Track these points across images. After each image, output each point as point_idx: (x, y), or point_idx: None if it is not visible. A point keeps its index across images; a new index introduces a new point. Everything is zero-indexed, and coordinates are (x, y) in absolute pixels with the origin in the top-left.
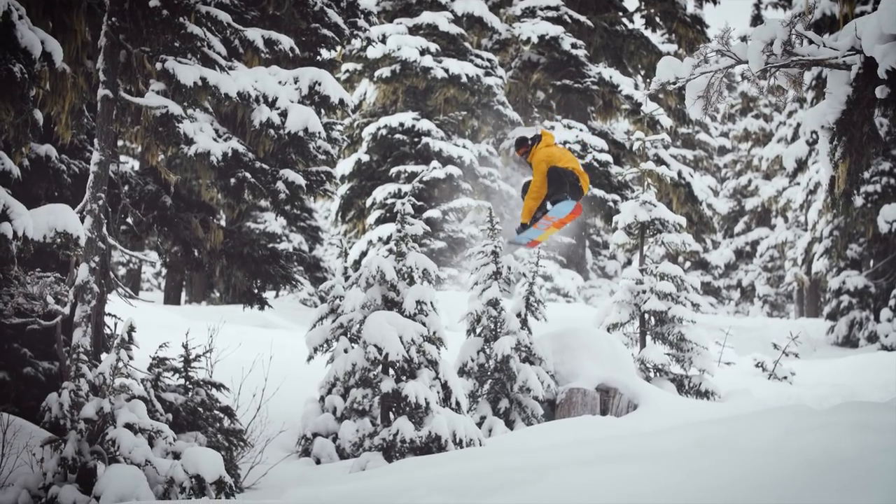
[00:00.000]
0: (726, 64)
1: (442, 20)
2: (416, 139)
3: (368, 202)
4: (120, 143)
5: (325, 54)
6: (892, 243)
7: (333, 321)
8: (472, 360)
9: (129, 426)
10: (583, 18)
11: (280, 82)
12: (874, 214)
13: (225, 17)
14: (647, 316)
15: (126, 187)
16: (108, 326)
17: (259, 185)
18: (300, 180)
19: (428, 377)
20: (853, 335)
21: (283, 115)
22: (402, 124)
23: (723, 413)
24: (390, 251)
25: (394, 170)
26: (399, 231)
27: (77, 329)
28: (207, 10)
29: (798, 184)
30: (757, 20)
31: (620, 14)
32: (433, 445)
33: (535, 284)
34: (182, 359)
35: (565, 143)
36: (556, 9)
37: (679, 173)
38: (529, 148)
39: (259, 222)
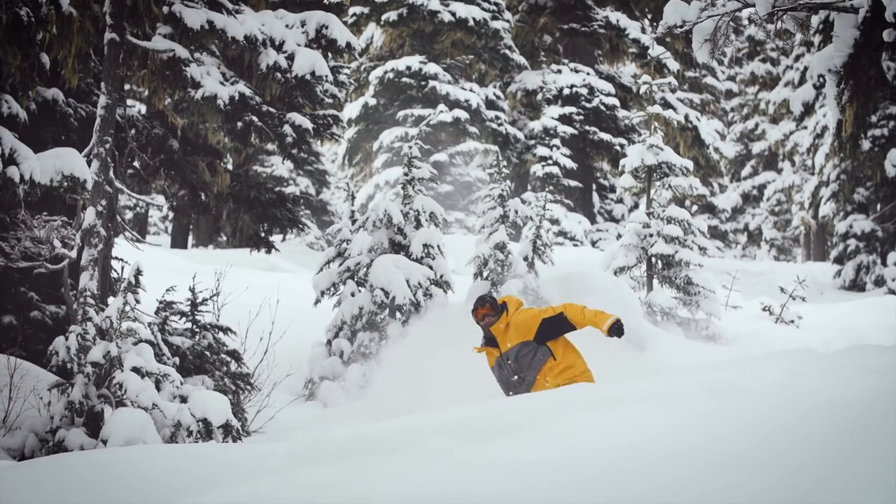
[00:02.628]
0: (733, 7)
1: None
2: (422, 83)
3: (375, 146)
4: (127, 86)
5: None
6: None
7: (340, 265)
8: None
9: (135, 370)
10: None
11: (287, 26)
12: (881, 158)
13: None
14: (654, 259)
15: (133, 131)
16: (115, 270)
17: (266, 128)
18: (307, 124)
19: None
20: (860, 279)
21: (290, 58)
22: (408, 68)
23: (729, 356)
24: (397, 194)
25: (401, 113)
26: (406, 174)
27: (84, 273)
28: None
29: (805, 127)
30: None
31: None
32: None
33: (542, 228)
34: (189, 302)
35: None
36: None
37: (686, 117)
38: (499, 314)
39: (266, 166)
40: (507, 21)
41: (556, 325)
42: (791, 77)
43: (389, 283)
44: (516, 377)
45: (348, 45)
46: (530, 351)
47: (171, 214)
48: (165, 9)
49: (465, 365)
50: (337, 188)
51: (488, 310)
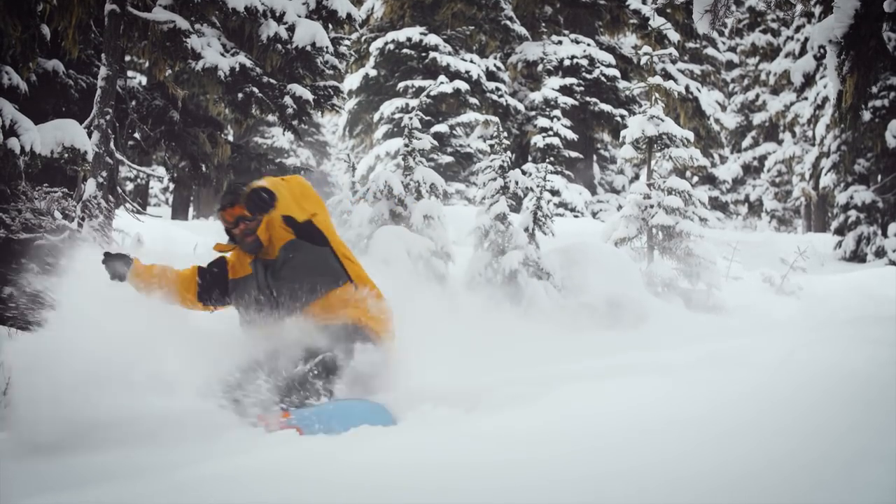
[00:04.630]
0: None
1: None
2: (423, 54)
3: (376, 117)
4: (127, 58)
5: None
6: None
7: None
8: (480, 275)
9: None
10: None
11: None
12: (882, 129)
13: None
14: (654, 230)
15: (133, 102)
16: (116, 241)
17: (266, 99)
18: (308, 95)
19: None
20: (861, 250)
21: (291, 29)
22: (409, 39)
23: (730, 327)
24: (398, 165)
25: (401, 84)
26: (407, 145)
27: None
28: None
29: (805, 98)
30: None
31: None
32: None
33: (542, 199)
34: None
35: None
36: None
37: (686, 88)
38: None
39: (267, 137)
40: None
41: (312, 235)
42: (792, 48)
43: (390, 255)
44: (266, 295)
45: (349, 15)
46: (305, 261)
47: (171, 186)
48: None
49: (463, 337)
50: (338, 159)
51: (243, 210)
